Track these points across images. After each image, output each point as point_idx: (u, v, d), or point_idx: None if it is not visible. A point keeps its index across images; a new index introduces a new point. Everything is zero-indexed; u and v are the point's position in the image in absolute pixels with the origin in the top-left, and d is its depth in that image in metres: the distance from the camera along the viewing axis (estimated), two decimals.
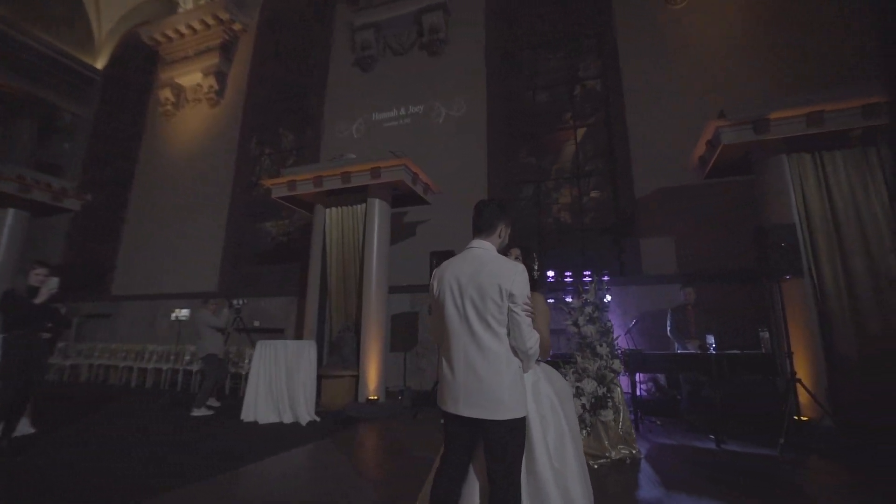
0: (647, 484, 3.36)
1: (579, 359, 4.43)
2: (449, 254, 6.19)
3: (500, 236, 2.08)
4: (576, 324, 4.85)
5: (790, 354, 4.44)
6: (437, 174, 7.57)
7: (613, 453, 3.91)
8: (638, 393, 5.43)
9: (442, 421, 2.03)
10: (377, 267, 6.76)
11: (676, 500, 3.05)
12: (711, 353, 4.69)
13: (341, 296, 7.05)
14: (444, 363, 1.96)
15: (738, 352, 4.63)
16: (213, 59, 11.19)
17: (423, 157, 7.68)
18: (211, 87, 11.17)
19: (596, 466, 3.75)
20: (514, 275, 1.86)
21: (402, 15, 9.19)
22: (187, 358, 8.35)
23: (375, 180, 6.66)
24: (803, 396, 4.38)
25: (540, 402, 2.10)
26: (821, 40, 6.68)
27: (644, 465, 3.82)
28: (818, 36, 6.73)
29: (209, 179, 10.61)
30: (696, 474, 3.59)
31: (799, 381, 4.34)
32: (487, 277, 1.87)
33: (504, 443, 1.83)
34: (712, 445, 4.37)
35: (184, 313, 8.13)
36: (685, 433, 4.92)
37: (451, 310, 1.94)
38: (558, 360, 5.33)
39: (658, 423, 5.39)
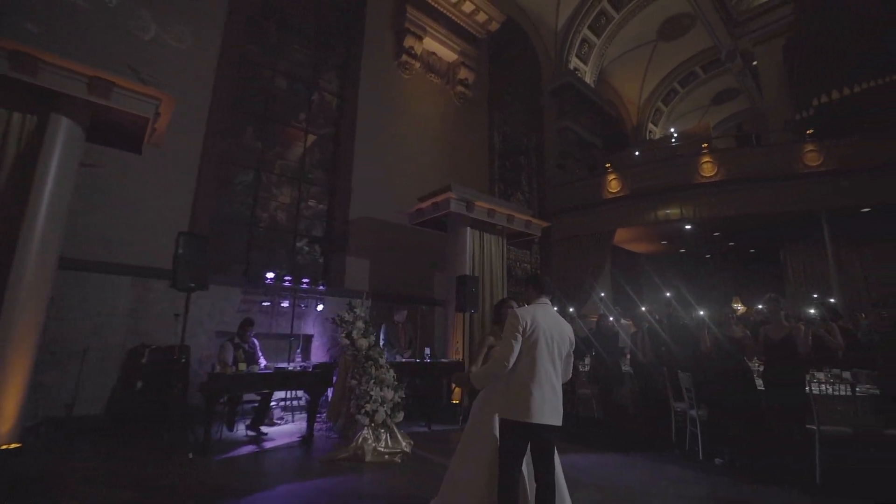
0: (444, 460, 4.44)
1: (374, 370, 4.93)
2: (199, 238, 4.91)
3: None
4: (349, 336, 5.28)
5: (464, 360, 6.80)
6: None
7: (404, 445, 4.71)
8: None
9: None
10: (47, 224, 4.20)
11: None
12: (428, 361, 6.36)
13: None
14: (532, 384, 2.49)
15: (446, 360, 6.55)
16: None
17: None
18: None
19: (399, 461, 4.45)
20: (572, 331, 2.80)
21: None
22: None
23: (94, 97, 4.27)
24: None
25: None
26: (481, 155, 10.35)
27: (417, 450, 4.83)
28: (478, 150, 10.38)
29: None
30: (435, 446, 5.03)
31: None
32: (567, 331, 2.72)
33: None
34: (426, 428, 5.93)
35: None
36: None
37: (542, 347, 2.58)
38: (323, 365, 5.47)
39: None
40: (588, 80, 13.55)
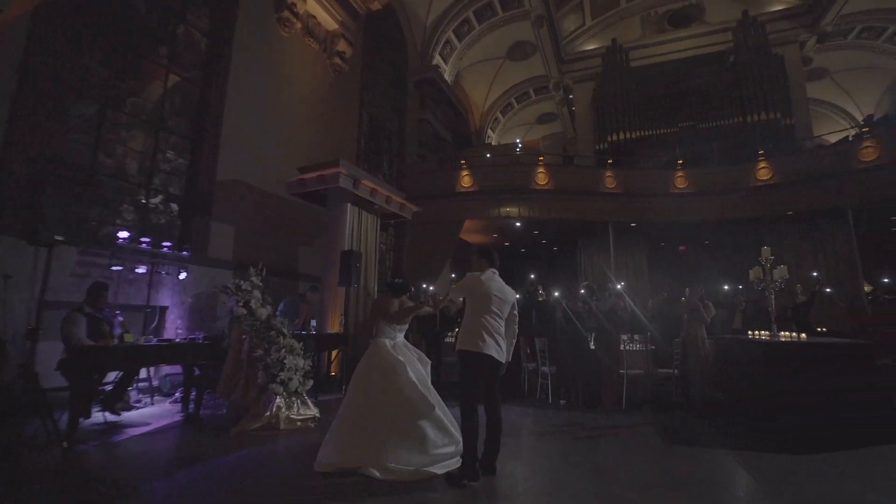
0: None
1: (282, 339, 4.84)
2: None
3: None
4: (247, 305, 5.07)
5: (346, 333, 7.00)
6: None
7: (315, 411, 4.80)
8: None
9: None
10: None
11: None
12: (314, 333, 6.37)
13: None
14: (481, 328, 3.18)
15: (332, 332, 6.62)
16: None
17: None
18: None
19: (313, 426, 4.57)
20: (515, 296, 3.52)
21: None
22: None
23: None
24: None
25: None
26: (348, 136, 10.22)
27: (324, 415, 4.97)
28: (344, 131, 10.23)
29: None
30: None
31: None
32: (510, 295, 3.41)
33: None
34: (313, 399, 5.95)
35: None
36: None
37: (490, 303, 3.26)
38: (207, 339, 5.03)
39: None
40: (447, 78, 14.69)
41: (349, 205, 7.76)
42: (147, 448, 3.78)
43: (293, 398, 4.63)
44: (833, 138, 12.91)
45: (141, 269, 5.85)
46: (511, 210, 12.08)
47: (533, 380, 6.69)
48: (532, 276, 9.74)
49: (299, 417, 4.57)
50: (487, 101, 18.08)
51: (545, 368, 6.23)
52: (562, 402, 5.98)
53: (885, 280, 11.34)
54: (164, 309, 6.34)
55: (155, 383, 5.99)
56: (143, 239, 5.90)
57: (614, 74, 15.30)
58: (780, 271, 5.39)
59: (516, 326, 3.41)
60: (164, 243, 6.13)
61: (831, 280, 10.25)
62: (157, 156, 6.72)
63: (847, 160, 10.16)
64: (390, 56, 12.84)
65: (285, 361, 4.62)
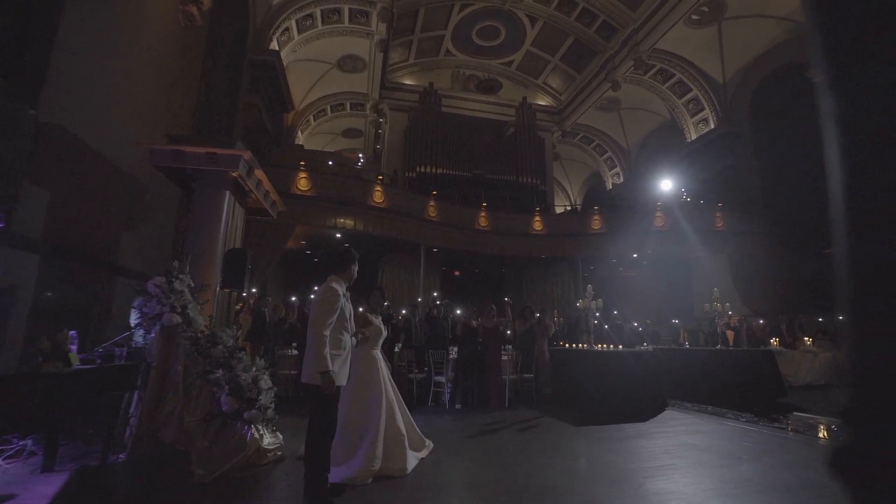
0: None
1: (244, 354, 3.99)
2: None
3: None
4: (183, 312, 4.10)
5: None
6: None
7: (280, 438, 4.12)
8: None
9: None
10: None
11: None
12: None
13: None
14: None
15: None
16: None
17: None
18: None
19: (281, 454, 3.98)
20: (315, 294, 3.82)
21: None
22: None
23: None
24: None
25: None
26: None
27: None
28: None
29: None
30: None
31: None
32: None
33: None
34: None
35: None
36: None
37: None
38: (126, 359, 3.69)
39: None
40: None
41: (228, 193, 6.56)
42: None
43: (261, 425, 3.90)
44: (561, 209, 18.47)
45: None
46: (347, 221, 12.14)
47: (420, 389, 7.28)
48: (434, 294, 10.13)
49: (271, 448, 3.89)
50: (306, 101, 17.24)
51: (441, 377, 6.96)
52: (458, 405, 6.82)
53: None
54: None
55: None
56: None
57: (427, 112, 17.39)
58: (598, 303, 7.90)
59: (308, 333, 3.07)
60: None
61: (563, 307, 14.72)
62: None
63: (582, 225, 14.95)
64: (234, 23, 11.02)
65: (261, 383, 3.87)
